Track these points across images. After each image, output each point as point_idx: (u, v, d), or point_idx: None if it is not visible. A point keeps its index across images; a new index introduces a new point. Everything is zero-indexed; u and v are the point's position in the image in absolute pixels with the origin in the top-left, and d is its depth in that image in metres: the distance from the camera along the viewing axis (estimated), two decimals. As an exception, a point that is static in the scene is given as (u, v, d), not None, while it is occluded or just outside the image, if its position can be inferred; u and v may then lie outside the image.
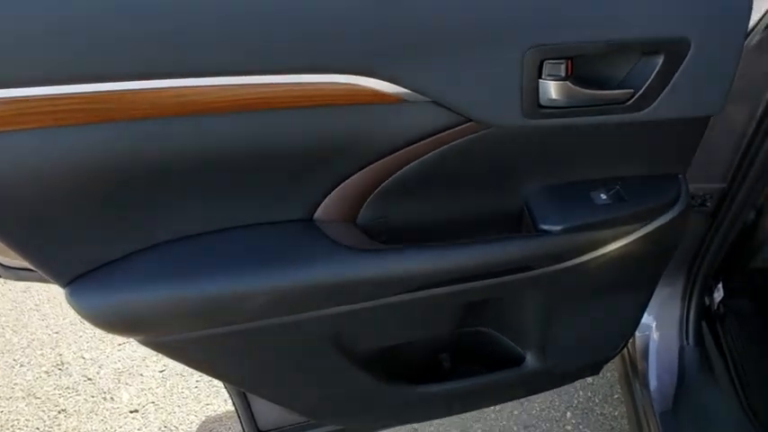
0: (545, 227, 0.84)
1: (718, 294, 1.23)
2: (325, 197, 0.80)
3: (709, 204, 1.10)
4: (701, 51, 0.70)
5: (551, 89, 0.71)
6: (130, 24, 0.58)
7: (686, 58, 0.70)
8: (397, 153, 0.75)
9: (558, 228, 0.83)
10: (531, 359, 1.10)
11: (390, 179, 0.79)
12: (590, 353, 1.14)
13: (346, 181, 0.78)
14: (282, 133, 0.69)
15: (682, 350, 1.24)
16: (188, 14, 0.59)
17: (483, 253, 0.83)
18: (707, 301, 1.24)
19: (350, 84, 0.65)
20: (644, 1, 0.67)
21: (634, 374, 1.31)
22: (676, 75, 0.72)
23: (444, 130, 0.74)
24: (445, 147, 0.75)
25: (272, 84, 0.64)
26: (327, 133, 0.71)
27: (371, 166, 0.76)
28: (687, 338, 1.24)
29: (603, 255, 0.89)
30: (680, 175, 0.88)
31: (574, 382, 1.24)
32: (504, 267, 0.85)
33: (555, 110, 0.73)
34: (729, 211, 1.08)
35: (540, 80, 0.70)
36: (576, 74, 0.71)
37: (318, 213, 0.81)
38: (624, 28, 0.68)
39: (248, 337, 0.85)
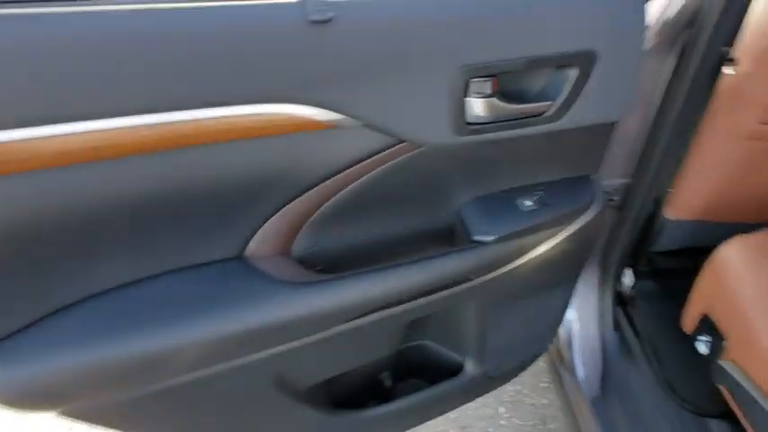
0: (479, 238, 0.85)
1: (628, 280, 1.33)
2: (257, 231, 0.75)
3: (616, 199, 1.18)
4: (606, 62, 0.75)
5: (478, 106, 0.72)
6: (41, 66, 0.51)
7: (594, 69, 0.75)
8: (331, 179, 0.73)
9: (491, 237, 0.85)
10: (470, 366, 1.11)
11: (325, 206, 0.77)
12: (523, 351, 1.18)
13: (279, 212, 0.74)
14: (211, 168, 0.65)
15: (602, 337, 1.32)
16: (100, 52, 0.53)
17: (423, 271, 0.83)
18: (618, 287, 1.34)
19: (281, 113, 0.62)
20: (556, 19, 0.70)
21: (561, 365, 1.38)
22: (587, 85, 0.76)
23: (377, 153, 0.73)
24: (379, 169, 0.74)
25: (196, 119, 0.59)
26: (258, 165, 0.67)
27: (305, 195, 0.74)
28: (606, 325, 1.32)
29: (533, 258, 0.92)
30: (593, 176, 0.94)
31: (508, 381, 1.28)
32: (444, 282, 0.86)
33: (482, 126, 0.74)
34: (634, 203, 1.17)
35: (467, 98, 0.71)
36: (501, 90, 0.73)
37: (250, 249, 0.77)
38: (541, 44, 0.71)
39: (182, 392, 0.78)
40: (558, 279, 1.05)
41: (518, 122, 0.77)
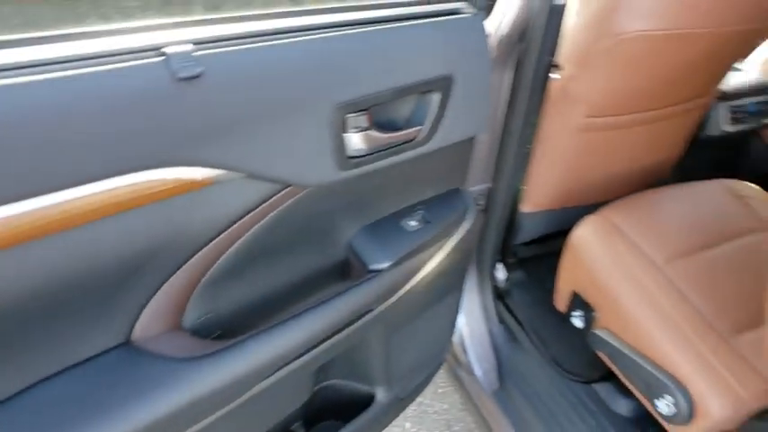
0: (376, 266, 0.85)
1: (501, 274, 1.43)
2: (144, 309, 0.67)
3: (481, 203, 1.27)
4: (462, 84, 0.80)
5: (357, 140, 0.73)
6: None
7: (452, 92, 0.80)
8: (218, 238, 0.68)
9: (387, 263, 0.86)
10: (381, 393, 1.11)
11: (213, 268, 0.71)
12: (427, 365, 1.21)
13: (165, 284, 0.67)
14: (88, 250, 0.56)
15: (491, 332, 1.40)
16: None
17: (326, 314, 0.80)
18: (495, 282, 1.43)
19: (159, 178, 0.56)
20: (415, 50, 0.74)
21: (459, 367, 1.43)
22: (448, 107, 0.81)
23: (264, 202, 0.69)
24: (267, 218, 0.71)
25: (65, 201, 0.51)
26: (140, 237, 0.60)
27: (191, 260, 0.67)
28: (491, 320, 1.40)
29: (425, 275, 0.94)
30: (463, 188, 0.99)
31: (417, 397, 1.29)
32: (349, 319, 0.84)
33: (363, 158, 0.75)
34: (496, 204, 1.26)
35: (346, 134, 0.71)
36: (375, 122, 0.74)
37: (138, 331, 0.68)
38: (404, 75, 0.74)
39: None
40: (448, 289, 1.08)
41: (394, 150, 0.78)
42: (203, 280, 0.71)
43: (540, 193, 1.33)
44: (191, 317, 0.73)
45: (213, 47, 0.59)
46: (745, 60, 1.62)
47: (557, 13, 1.02)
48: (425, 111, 0.80)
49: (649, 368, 1.04)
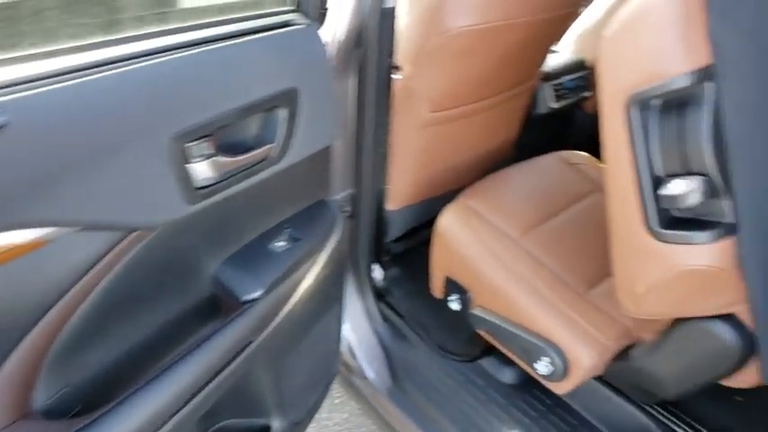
0: (248, 297, 0.81)
1: (378, 274, 1.45)
2: None
3: (348, 209, 1.27)
4: (307, 95, 0.79)
5: (203, 169, 0.68)
6: None
7: (299, 105, 0.78)
8: (61, 302, 0.60)
9: (260, 292, 0.82)
10: (276, 423, 1.07)
11: (61, 335, 0.62)
12: (320, 382, 1.18)
13: (2, 368, 0.58)
14: None
15: (377, 332, 1.41)
16: None
17: (203, 358, 0.75)
18: (373, 283, 1.44)
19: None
20: (254, 67, 0.71)
21: (351, 374, 1.43)
22: (297, 120, 0.79)
23: (107, 253, 0.62)
24: (115, 269, 0.64)
25: None
26: None
27: (32, 333, 0.58)
28: (376, 321, 1.42)
29: (302, 294, 0.92)
30: (327, 198, 0.99)
31: (314, 416, 1.27)
32: (228, 357, 0.79)
33: (213, 186, 0.71)
34: (362, 207, 1.27)
35: (189, 165, 0.66)
36: (221, 146, 0.70)
37: None
38: (246, 93, 0.70)
39: None
40: (328, 301, 1.07)
41: (247, 173, 0.75)
42: (51, 351, 0.62)
43: (402, 190, 1.36)
44: (42, 396, 0.64)
45: (17, 90, 0.51)
46: (559, 42, 1.80)
47: (388, 16, 1.05)
48: (275, 127, 0.77)
49: (524, 335, 1.12)
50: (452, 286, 1.27)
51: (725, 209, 0.74)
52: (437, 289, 1.32)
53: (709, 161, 0.72)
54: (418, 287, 1.44)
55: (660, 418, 1.16)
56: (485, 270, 1.19)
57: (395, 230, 1.43)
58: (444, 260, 1.29)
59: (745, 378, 0.93)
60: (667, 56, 0.70)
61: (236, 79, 0.70)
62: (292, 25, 0.80)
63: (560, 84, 1.69)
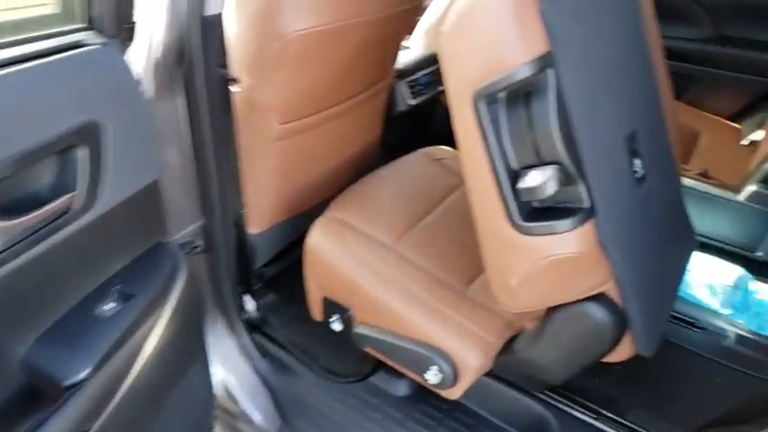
0: (71, 381, 0.66)
1: (250, 305, 1.32)
2: None
3: (200, 244, 1.13)
4: (116, 128, 0.66)
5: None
6: None
7: (104, 141, 0.65)
8: None
9: (86, 371, 0.67)
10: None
11: None
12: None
13: None
14: None
15: (257, 370, 1.29)
16: None
17: None
18: (245, 316, 1.31)
19: None
20: (25, 101, 0.57)
21: (235, 420, 1.30)
22: (105, 158, 0.66)
23: None
24: None
25: None
26: None
27: None
28: (254, 358, 1.29)
29: (150, 357, 0.78)
30: (165, 240, 0.85)
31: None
32: None
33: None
34: (217, 238, 1.14)
35: None
36: (2, 207, 0.55)
37: None
38: (23, 136, 0.56)
39: None
40: (188, 354, 0.94)
41: (43, 233, 0.60)
42: None
43: (262, 211, 1.25)
44: None
45: None
46: (410, 38, 1.77)
47: (213, 25, 0.93)
48: (74, 172, 0.63)
49: (409, 347, 1.07)
50: (331, 306, 1.19)
51: (582, 194, 0.75)
52: (316, 311, 1.23)
53: (560, 149, 0.72)
54: (296, 310, 1.34)
55: (553, 403, 1.17)
56: (361, 284, 1.12)
57: (262, 255, 1.32)
58: (319, 280, 1.20)
59: (623, 352, 0.95)
60: (505, 46, 0.68)
61: (11, 118, 0.56)
62: (85, 46, 0.67)
63: (415, 80, 1.67)
